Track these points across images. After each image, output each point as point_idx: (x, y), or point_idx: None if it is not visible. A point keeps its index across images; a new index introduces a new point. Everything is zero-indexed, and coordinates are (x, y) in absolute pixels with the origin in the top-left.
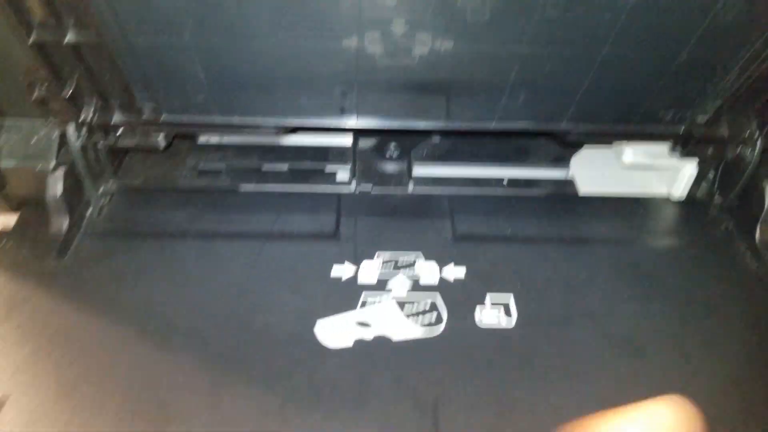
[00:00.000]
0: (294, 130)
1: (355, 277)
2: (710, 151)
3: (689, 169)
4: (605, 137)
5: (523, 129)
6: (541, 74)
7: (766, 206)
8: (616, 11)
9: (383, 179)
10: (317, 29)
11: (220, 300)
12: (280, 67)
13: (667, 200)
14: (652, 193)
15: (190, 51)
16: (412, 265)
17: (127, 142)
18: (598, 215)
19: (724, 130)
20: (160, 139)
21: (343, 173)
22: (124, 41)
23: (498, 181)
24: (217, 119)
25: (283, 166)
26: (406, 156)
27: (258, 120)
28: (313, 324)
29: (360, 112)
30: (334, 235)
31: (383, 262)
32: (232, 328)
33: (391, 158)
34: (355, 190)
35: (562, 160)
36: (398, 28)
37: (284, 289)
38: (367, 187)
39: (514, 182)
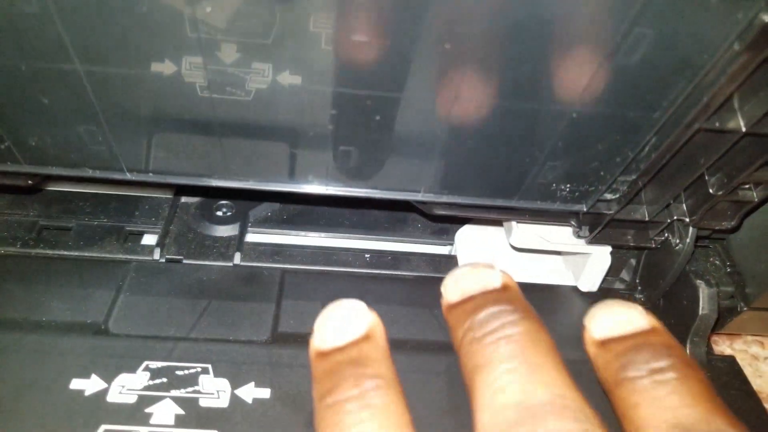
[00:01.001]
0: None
1: (101, 396)
2: (630, 236)
3: (600, 257)
4: (483, 213)
5: (366, 196)
6: (389, 129)
7: (699, 314)
8: (459, 51)
9: (203, 247)
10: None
11: None
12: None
13: (576, 291)
14: (556, 281)
15: None
16: (193, 382)
17: None
18: None
19: (642, 213)
20: None
21: (149, 237)
22: None
23: (357, 256)
24: None
25: (69, 223)
26: (241, 218)
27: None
28: None
29: (155, 163)
30: (103, 327)
31: (150, 378)
32: None
33: (219, 220)
34: (160, 258)
35: (446, 234)
36: (228, 55)
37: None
38: (177, 256)
39: (378, 258)
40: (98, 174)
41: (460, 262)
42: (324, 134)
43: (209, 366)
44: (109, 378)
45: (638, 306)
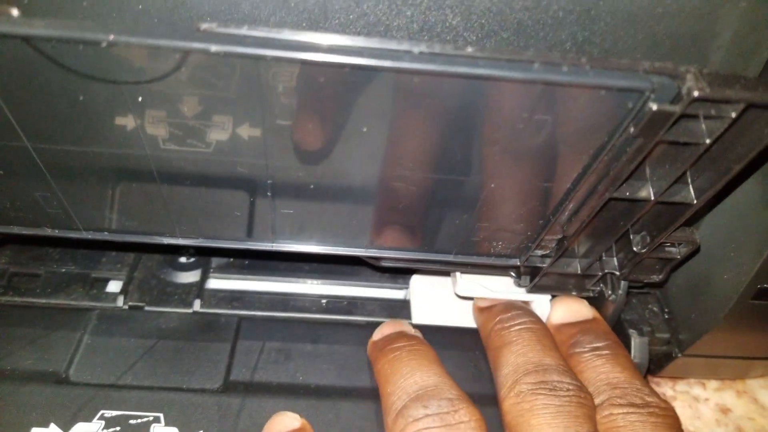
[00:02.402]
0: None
1: None
2: (570, 285)
3: (541, 303)
4: (427, 266)
5: (313, 252)
6: (331, 193)
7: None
8: (377, 126)
9: (165, 294)
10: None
11: None
12: None
13: None
14: None
15: None
16: (145, 430)
17: None
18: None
19: (575, 266)
20: None
21: (114, 283)
22: None
23: (314, 302)
24: None
25: (38, 270)
26: (203, 265)
27: None
28: None
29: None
30: (64, 375)
31: (104, 427)
32: None
33: (181, 267)
34: (124, 305)
35: (401, 278)
36: (189, 108)
37: None
38: (139, 303)
39: (335, 303)
40: (57, 233)
41: (413, 307)
42: (270, 193)
43: (161, 415)
44: (66, 427)
45: (584, 301)
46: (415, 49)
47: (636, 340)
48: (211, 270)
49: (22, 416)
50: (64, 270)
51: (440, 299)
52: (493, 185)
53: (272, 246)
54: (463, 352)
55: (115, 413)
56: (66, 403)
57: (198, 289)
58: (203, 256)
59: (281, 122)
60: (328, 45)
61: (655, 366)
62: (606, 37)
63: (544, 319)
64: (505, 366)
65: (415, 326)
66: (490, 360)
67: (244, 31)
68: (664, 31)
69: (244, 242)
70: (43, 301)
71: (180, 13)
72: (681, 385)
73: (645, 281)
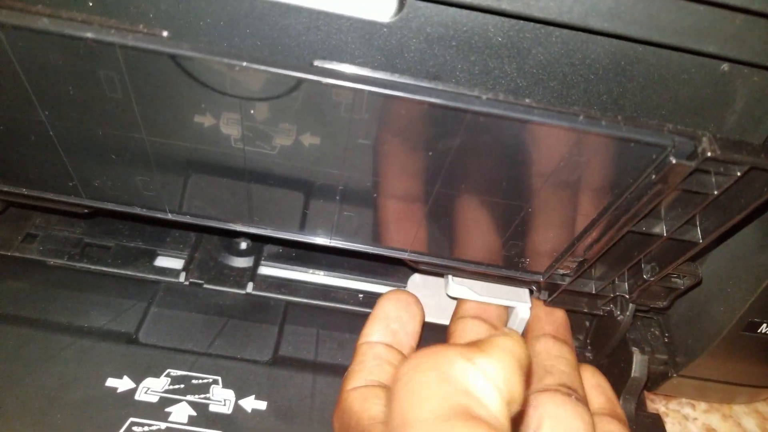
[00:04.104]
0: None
1: (130, 394)
2: (583, 303)
3: (521, 313)
4: (458, 273)
5: (364, 250)
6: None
7: (630, 376)
8: (440, 154)
9: (222, 275)
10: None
11: None
12: (66, 141)
13: None
14: None
15: None
16: (205, 390)
17: None
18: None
19: (590, 287)
20: None
21: (176, 261)
22: None
23: (352, 295)
24: (5, 188)
25: (109, 243)
26: (256, 252)
27: (49, 195)
28: None
29: (187, 205)
30: (134, 337)
31: (170, 383)
32: None
33: (238, 253)
34: (185, 281)
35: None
36: (260, 114)
37: (40, 395)
38: (199, 280)
39: (370, 298)
40: (145, 212)
41: None
42: (333, 195)
43: (219, 378)
44: (137, 380)
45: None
46: (483, 96)
47: (637, 357)
48: (263, 258)
49: (99, 368)
50: (132, 245)
51: (435, 299)
52: (529, 209)
53: (329, 242)
54: None
55: (179, 373)
56: (137, 360)
57: (252, 274)
58: (260, 242)
59: (363, 141)
60: (415, 85)
61: (651, 383)
62: (637, 94)
63: (523, 324)
64: None
65: None
66: None
67: (345, 67)
68: (687, 94)
69: (306, 236)
70: (114, 270)
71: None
72: (673, 404)
73: (651, 306)
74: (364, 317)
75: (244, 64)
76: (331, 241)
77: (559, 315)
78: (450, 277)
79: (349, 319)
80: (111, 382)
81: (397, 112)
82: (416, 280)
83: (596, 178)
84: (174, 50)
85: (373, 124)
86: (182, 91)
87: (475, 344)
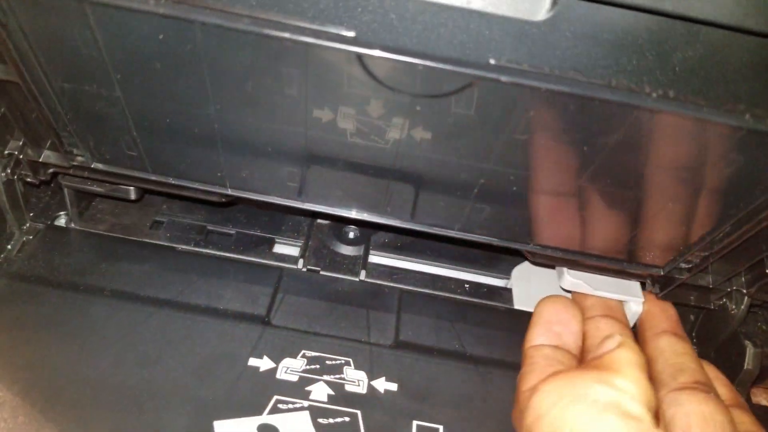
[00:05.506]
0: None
1: (272, 373)
2: (693, 296)
3: (634, 306)
4: (576, 265)
5: (487, 242)
6: (505, 193)
7: (744, 368)
8: (594, 149)
9: (335, 262)
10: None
11: (116, 372)
12: (226, 134)
13: None
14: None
15: (119, 105)
16: (339, 370)
17: (95, 189)
18: None
19: (707, 281)
20: (131, 190)
21: (292, 248)
22: (47, 83)
23: (458, 284)
24: (152, 177)
25: (231, 230)
26: (365, 241)
27: (195, 185)
28: (209, 428)
29: (315, 194)
30: (267, 319)
31: (307, 364)
32: (119, 409)
33: (348, 241)
34: (303, 267)
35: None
36: (375, 109)
37: (188, 373)
38: (316, 267)
39: (476, 289)
40: (282, 201)
41: (515, 295)
42: (472, 189)
43: (351, 360)
44: (276, 360)
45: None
46: (654, 93)
47: (750, 350)
48: (371, 247)
49: (241, 348)
50: (251, 232)
51: (542, 289)
52: (669, 204)
53: (455, 234)
54: None
55: (314, 354)
56: (274, 341)
57: (363, 262)
58: (368, 229)
59: (519, 137)
60: (587, 83)
61: (759, 377)
62: None
63: (635, 318)
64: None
65: (516, 312)
66: None
67: (515, 65)
68: None
69: (428, 226)
70: (237, 256)
71: None
72: None
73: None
74: (475, 308)
75: (431, 64)
76: (457, 233)
77: (671, 310)
78: (565, 270)
79: (460, 308)
80: (253, 361)
81: (567, 108)
82: (519, 272)
83: (741, 174)
84: (363, 50)
85: (539, 120)
86: (355, 88)
87: (599, 365)
